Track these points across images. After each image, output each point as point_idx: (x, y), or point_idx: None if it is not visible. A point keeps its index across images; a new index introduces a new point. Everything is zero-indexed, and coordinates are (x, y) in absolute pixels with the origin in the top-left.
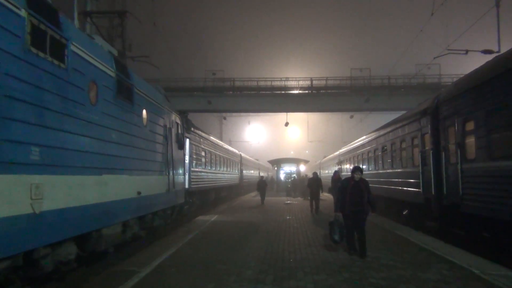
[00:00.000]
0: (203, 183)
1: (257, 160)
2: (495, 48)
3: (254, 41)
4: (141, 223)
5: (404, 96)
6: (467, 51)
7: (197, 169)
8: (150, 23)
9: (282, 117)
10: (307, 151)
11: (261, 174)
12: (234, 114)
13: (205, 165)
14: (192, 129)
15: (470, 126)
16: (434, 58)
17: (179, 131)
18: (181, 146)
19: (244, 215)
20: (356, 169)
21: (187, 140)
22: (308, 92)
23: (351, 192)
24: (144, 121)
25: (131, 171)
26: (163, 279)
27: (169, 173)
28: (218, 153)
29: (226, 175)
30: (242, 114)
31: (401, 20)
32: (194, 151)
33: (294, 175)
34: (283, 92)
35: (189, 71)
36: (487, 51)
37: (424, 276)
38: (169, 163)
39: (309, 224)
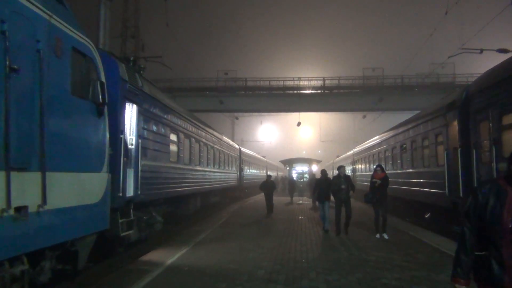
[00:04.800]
0: (172, 185)
1: (264, 157)
2: (511, 47)
3: (266, 41)
4: None
5: (418, 95)
6: (481, 50)
7: (156, 163)
8: (163, 23)
9: (294, 117)
10: (319, 151)
11: (269, 173)
12: (246, 114)
13: (178, 157)
14: (142, 85)
15: (509, 119)
16: (449, 57)
17: (92, 77)
18: (101, 112)
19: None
20: None
21: (133, 107)
22: (321, 92)
23: None
24: None
25: None
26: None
27: (14, 165)
28: (204, 141)
29: (217, 174)
30: (254, 114)
31: (415, 19)
32: (151, 130)
33: (306, 175)
34: (295, 92)
35: (201, 71)
36: (502, 50)
37: (438, 277)
38: (28, 142)
39: None
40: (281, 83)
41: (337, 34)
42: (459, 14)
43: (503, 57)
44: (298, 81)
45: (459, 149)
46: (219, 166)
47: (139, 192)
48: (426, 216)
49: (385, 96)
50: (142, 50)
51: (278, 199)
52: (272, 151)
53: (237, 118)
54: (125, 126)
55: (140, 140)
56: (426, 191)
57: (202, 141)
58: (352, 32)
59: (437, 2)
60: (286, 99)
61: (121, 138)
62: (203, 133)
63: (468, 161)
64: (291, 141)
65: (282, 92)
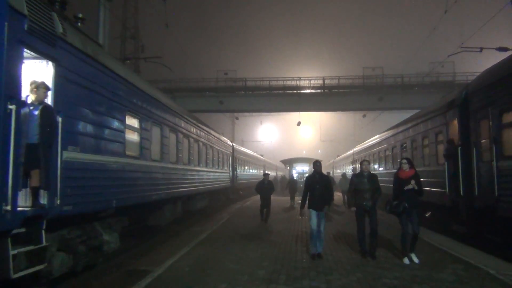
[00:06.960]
0: (132, 188)
1: (261, 155)
2: (511, 45)
3: (266, 41)
4: None
5: (418, 94)
6: (481, 49)
7: (98, 157)
8: (162, 24)
9: (294, 116)
10: (319, 151)
11: (266, 171)
12: (246, 114)
13: (142, 149)
14: (66, 34)
15: (509, 117)
16: (448, 56)
17: None
18: None
19: None
20: None
21: (48, 65)
22: (321, 92)
23: None
24: None
25: None
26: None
27: None
28: (183, 131)
29: (204, 173)
30: (254, 114)
31: (414, 18)
32: (89, 107)
33: (307, 174)
34: (295, 91)
35: (201, 71)
36: (502, 49)
37: (439, 276)
38: None
39: None
40: (280, 83)
41: (337, 34)
42: (458, 12)
43: (503, 56)
44: (298, 81)
45: (459, 148)
46: (207, 164)
47: (58, 202)
48: (426, 215)
49: (385, 95)
50: (142, 51)
51: (278, 199)
52: (272, 151)
53: (237, 118)
54: (22, 91)
55: (61, 119)
56: (427, 189)
57: (182, 132)
58: (352, 31)
59: (436, 1)
60: (286, 99)
61: (11, 110)
62: (182, 122)
63: (468, 159)
64: (291, 141)
65: (282, 92)
